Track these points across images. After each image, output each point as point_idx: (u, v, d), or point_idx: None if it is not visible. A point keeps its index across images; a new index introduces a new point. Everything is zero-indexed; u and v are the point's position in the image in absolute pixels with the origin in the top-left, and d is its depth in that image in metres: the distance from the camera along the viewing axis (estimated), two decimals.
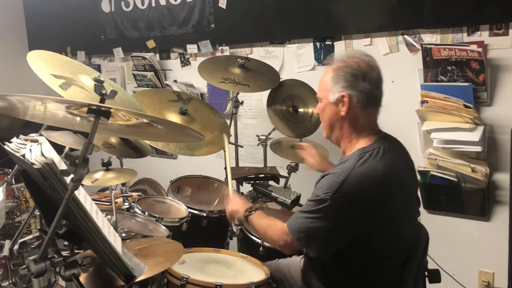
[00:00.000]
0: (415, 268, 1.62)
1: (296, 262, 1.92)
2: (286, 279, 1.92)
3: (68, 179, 1.19)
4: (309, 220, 1.56)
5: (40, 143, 1.30)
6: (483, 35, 2.40)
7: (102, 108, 1.22)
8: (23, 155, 1.24)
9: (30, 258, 1.22)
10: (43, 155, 1.20)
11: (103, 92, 1.32)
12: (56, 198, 1.24)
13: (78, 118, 1.36)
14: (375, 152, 1.56)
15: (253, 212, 1.82)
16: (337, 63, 1.64)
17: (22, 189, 3.01)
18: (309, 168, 2.20)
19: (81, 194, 1.33)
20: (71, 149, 2.34)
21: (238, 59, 2.71)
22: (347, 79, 1.59)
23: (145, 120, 1.32)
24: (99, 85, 1.33)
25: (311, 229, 1.56)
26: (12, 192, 2.95)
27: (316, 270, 1.70)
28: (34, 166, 1.17)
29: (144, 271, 1.35)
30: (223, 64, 2.77)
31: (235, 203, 1.93)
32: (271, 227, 1.73)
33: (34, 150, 1.24)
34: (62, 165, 1.27)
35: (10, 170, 2.74)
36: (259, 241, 2.21)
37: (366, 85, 1.59)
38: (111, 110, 1.23)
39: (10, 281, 2.06)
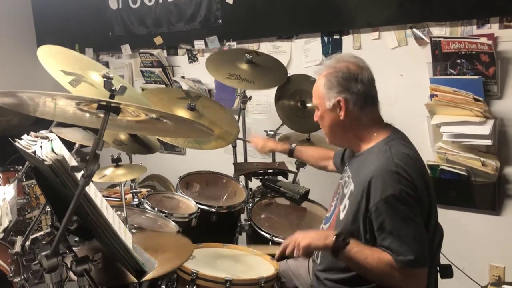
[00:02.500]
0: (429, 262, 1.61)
1: (305, 262, 1.91)
2: (293, 277, 1.92)
3: (79, 175, 1.20)
4: (409, 229, 1.45)
5: (51, 140, 1.30)
6: (493, 28, 2.38)
7: (112, 104, 1.22)
8: (34, 152, 1.25)
9: (42, 253, 1.23)
10: (53, 151, 1.21)
11: (113, 88, 1.33)
12: (67, 194, 1.25)
13: (87, 115, 1.37)
14: (398, 141, 1.58)
15: (347, 240, 1.51)
16: (327, 69, 1.66)
17: (32, 186, 3.04)
18: (261, 152, 2.41)
19: (91, 190, 1.33)
20: (81, 146, 2.36)
21: (246, 54, 2.71)
22: (340, 84, 1.60)
23: (154, 116, 1.32)
24: (108, 81, 1.33)
25: (419, 234, 1.47)
26: (23, 189, 2.98)
27: (332, 265, 1.66)
28: (45, 163, 1.18)
29: (155, 266, 1.36)
30: (231, 58, 2.77)
31: (308, 234, 1.59)
32: (390, 273, 1.46)
33: (45, 147, 1.24)
34: (72, 162, 1.28)
35: (21, 167, 2.77)
36: (268, 236, 2.21)
37: (359, 86, 1.60)
38: (121, 106, 1.23)
39: (22, 277, 2.08)
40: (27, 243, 2.04)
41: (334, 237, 1.51)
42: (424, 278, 1.49)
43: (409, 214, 1.46)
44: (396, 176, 1.46)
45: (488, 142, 2.35)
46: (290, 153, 2.29)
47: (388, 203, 1.45)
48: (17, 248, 2.01)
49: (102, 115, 1.24)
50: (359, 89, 1.60)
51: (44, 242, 2.26)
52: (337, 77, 1.61)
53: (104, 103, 1.22)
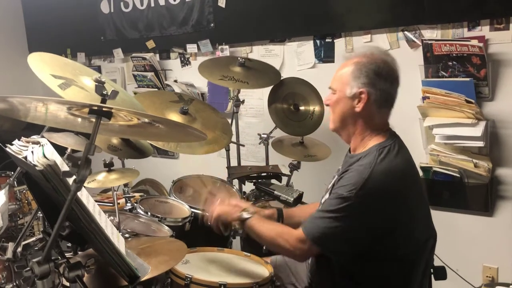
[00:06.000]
0: (423, 266, 1.61)
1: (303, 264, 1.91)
2: (291, 273, 1.92)
3: (70, 180, 1.19)
4: (330, 220, 1.50)
5: (42, 145, 1.30)
6: (483, 30, 2.40)
7: (104, 109, 1.21)
8: (25, 157, 1.24)
9: (34, 260, 1.22)
10: (45, 156, 1.20)
11: (104, 92, 1.32)
12: (58, 200, 1.24)
13: (79, 119, 1.36)
14: (392, 148, 1.55)
15: (251, 216, 1.70)
16: (359, 57, 1.60)
17: (24, 191, 3.00)
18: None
19: (83, 196, 1.32)
20: (73, 150, 2.34)
21: (239, 58, 2.71)
22: (369, 76, 1.55)
23: (146, 120, 1.32)
24: (100, 85, 1.33)
25: (332, 229, 1.50)
26: (15, 194, 2.95)
27: (324, 268, 1.68)
28: (37, 168, 1.17)
29: (148, 271, 1.35)
30: (223, 63, 2.77)
31: (224, 205, 1.80)
32: (282, 234, 1.62)
33: (36, 152, 1.23)
34: (64, 167, 1.27)
35: (12, 172, 2.74)
36: None
37: (387, 85, 1.57)
38: (113, 110, 1.22)
39: (14, 284, 2.06)
40: (19, 249, 2.02)
41: (241, 210, 1.71)
42: (309, 254, 1.62)
43: (341, 218, 1.49)
44: (360, 183, 1.46)
45: (480, 144, 2.37)
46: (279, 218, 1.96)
47: (336, 197, 1.50)
48: (9, 254, 1.98)
49: (93, 120, 1.23)
50: (386, 88, 1.56)
51: (36, 248, 2.24)
52: (369, 68, 1.56)
53: (96, 108, 1.21)
